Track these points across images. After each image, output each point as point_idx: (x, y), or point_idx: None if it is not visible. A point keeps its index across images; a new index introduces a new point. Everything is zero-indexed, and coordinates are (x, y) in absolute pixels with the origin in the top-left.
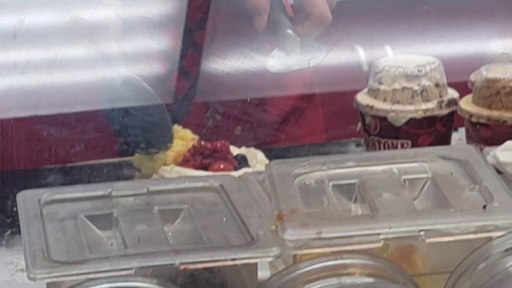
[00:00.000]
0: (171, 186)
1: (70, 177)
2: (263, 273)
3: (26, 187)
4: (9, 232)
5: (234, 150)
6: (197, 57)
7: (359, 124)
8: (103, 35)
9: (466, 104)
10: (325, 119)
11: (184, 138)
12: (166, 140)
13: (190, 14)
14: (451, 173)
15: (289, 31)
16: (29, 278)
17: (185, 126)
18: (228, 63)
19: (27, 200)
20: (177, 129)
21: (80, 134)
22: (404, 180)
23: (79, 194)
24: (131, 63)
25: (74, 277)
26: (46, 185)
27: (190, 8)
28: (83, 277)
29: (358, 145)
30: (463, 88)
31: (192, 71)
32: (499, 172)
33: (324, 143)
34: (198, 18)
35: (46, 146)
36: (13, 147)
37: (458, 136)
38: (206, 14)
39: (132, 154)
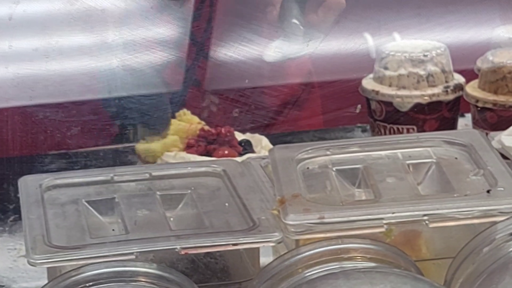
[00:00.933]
0: (173, 171)
1: (72, 163)
2: (266, 259)
3: (29, 173)
4: (12, 218)
5: (239, 136)
6: (193, 45)
7: (359, 106)
8: (100, 20)
9: (472, 89)
10: (330, 105)
11: (190, 122)
12: (163, 125)
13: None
14: (456, 158)
15: (295, 20)
16: (29, 263)
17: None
18: (228, 50)
19: (28, 186)
20: (185, 112)
21: (79, 120)
22: (408, 165)
23: (81, 179)
24: (129, 51)
25: (74, 262)
26: (48, 171)
27: None
28: (83, 262)
29: (364, 130)
30: (470, 73)
31: (188, 60)
32: (504, 157)
33: (329, 129)
34: (195, 7)
35: (45, 132)
36: (14, 133)
37: (465, 121)
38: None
39: (131, 141)
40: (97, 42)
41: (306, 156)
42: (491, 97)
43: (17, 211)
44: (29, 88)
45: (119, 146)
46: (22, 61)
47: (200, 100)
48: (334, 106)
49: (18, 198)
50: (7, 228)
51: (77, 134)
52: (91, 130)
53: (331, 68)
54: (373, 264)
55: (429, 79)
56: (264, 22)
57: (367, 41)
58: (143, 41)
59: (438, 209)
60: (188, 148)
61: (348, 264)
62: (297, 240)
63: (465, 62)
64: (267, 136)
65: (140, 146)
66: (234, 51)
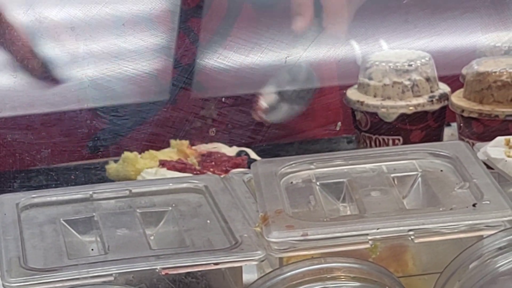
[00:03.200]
0: (154, 188)
1: (52, 179)
2: (250, 276)
3: (3, 190)
4: None
5: (226, 150)
6: (192, 49)
7: (339, 123)
8: (69, 34)
9: (458, 99)
10: (317, 114)
11: (181, 150)
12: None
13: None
14: (441, 170)
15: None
16: (4, 286)
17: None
18: (223, 57)
19: (4, 205)
20: (173, 142)
21: (49, 136)
22: (393, 178)
23: (59, 198)
24: (125, 58)
25: (50, 285)
26: (28, 188)
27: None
28: (60, 284)
29: (349, 141)
30: (455, 81)
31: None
32: (489, 168)
33: (314, 139)
34: (191, 9)
35: (13, 148)
36: None
37: (451, 131)
38: (202, 5)
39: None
40: (68, 56)
41: (289, 170)
42: (476, 106)
43: None
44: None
45: (97, 160)
46: None
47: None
48: (319, 114)
49: None
50: None
51: (52, 148)
52: (66, 145)
53: (316, 75)
54: (357, 284)
55: (414, 89)
56: (249, 31)
57: (353, 48)
58: (137, 48)
59: (423, 224)
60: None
61: (331, 284)
62: (280, 258)
63: (451, 70)
64: (251, 148)
65: (112, 169)
66: (219, 60)
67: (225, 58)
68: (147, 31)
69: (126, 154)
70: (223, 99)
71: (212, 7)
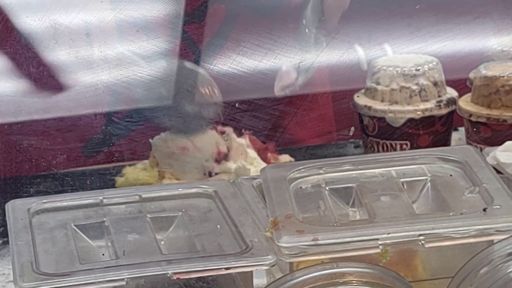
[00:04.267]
0: (164, 193)
1: (60, 184)
2: (260, 280)
3: (17, 194)
4: (0, 242)
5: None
6: (191, 54)
7: (352, 128)
8: (84, 40)
9: (465, 104)
10: (322, 119)
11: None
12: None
13: (187, 9)
14: (451, 175)
15: (306, 30)
16: None
17: None
18: (226, 62)
19: (16, 210)
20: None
21: (64, 142)
22: (403, 183)
23: (70, 203)
24: (129, 62)
25: None
26: (38, 193)
27: (187, 3)
28: None
29: (356, 146)
30: (463, 85)
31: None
32: (499, 173)
33: (321, 144)
34: (194, 13)
35: (30, 153)
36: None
37: (458, 135)
38: (205, 9)
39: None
40: (82, 62)
41: (298, 175)
42: (484, 111)
43: (5, 234)
44: (7, 109)
45: (109, 165)
46: (3, 81)
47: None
48: (327, 120)
49: (5, 221)
50: None
51: (64, 152)
52: (78, 149)
53: (323, 80)
54: None
55: (422, 93)
56: (258, 34)
57: (358, 53)
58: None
59: (434, 228)
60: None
61: None
62: (291, 263)
63: (457, 74)
64: None
65: (121, 182)
66: (226, 64)
67: (238, 63)
68: (161, 37)
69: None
70: (236, 105)
71: (221, 13)
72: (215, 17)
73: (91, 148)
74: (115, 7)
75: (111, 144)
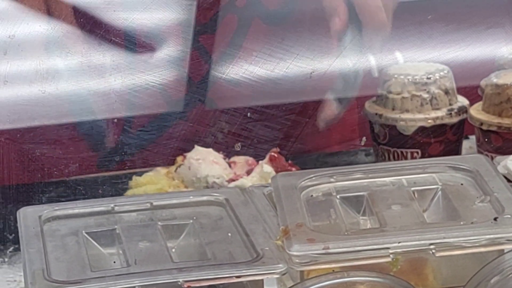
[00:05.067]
0: (174, 201)
1: (71, 191)
2: None
3: (27, 201)
4: (11, 248)
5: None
6: (203, 62)
7: (364, 138)
8: (96, 50)
9: (477, 112)
10: (334, 128)
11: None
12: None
13: (199, 19)
14: (461, 184)
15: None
16: None
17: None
18: (239, 69)
19: (27, 217)
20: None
21: (76, 150)
22: (414, 192)
23: (81, 210)
24: (138, 70)
25: None
26: (49, 200)
27: (199, 10)
28: None
29: (367, 154)
30: (474, 94)
31: (196, 77)
32: (510, 182)
33: (332, 152)
34: (206, 23)
35: (42, 160)
36: (11, 161)
37: (469, 144)
38: (216, 18)
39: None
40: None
41: (309, 183)
42: (495, 119)
43: (17, 241)
44: (20, 116)
45: (120, 172)
46: (15, 90)
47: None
48: (339, 128)
49: (17, 228)
50: (6, 259)
51: (76, 161)
52: (93, 159)
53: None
54: None
55: (433, 102)
56: (271, 40)
57: (369, 60)
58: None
59: (444, 237)
60: None
61: None
62: (301, 271)
63: (469, 82)
64: None
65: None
66: (238, 74)
67: (250, 73)
68: (173, 47)
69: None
70: (248, 114)
71: (233, 23)
72: (227, 27)
73: (106, 161)
74: (128, 17)
75: (123, 153)
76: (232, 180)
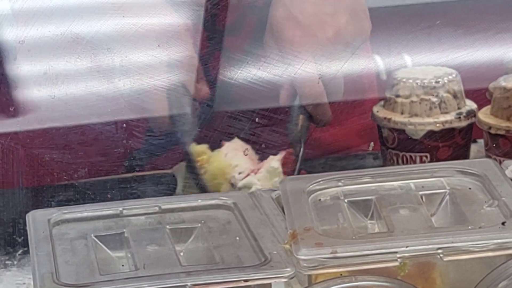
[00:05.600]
0: (183, 204)
1: (80, 194)
2: None
3: (37, 204)
4: (20, 251)
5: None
6: (211, 67)
7: (371, 144)
8: (106, 55)
9: (485, 116)
10: (342, 132)
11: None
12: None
13: (206, 25)
14: (469, 188)
15: None
16: None
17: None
18: (246, 72)
19: (36, 221)
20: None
21: (85, 155)
22: (422, 196)
23: (90, 214)
24: (147, 75)
25: None
26: (58, 203)
27: (207, 15)
28: None
29: (375, 158)
30: (482, 97)
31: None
32: None
33: (341, 156)
34: (214, 29)
35: (54, 163)
36: (22, 165)
37: (477, 148)
38: (224, 24)
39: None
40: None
41: (317, 187)
42: (504, 123)
43: (26, 244)
44: (30, 120)
45: (128, 175)
46: (25, 95)
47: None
48: (347, 132)
49: (27, 231)
50: (15, 262)
51: (85, 165)
52: (102, 164)
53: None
54: None
55: (442, 105)
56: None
57: (377, 63)
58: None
59: (452, 242)
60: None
61: None
62: (309, 275)
63: (477, 86)
64: None
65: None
66: (246, 79)
67: (259, 78)
68: (181, 52)
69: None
70: (256, 119)
71: (241, 24)
72: (235, 31)
73: (115, 165)
74: (137, 22)
75: (132, 157)
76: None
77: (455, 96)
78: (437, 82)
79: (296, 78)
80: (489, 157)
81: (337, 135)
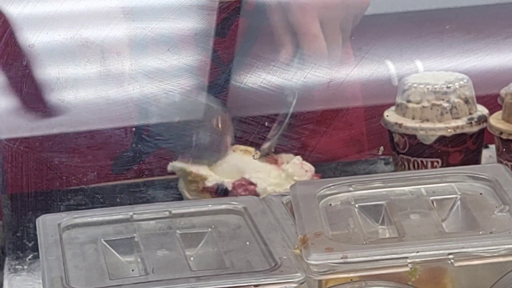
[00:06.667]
0: (193, 209)
1: (90, 199)
2: None
3: (46, 208)
4: (30, 256)
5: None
6: (221, 71)
7: (381, 148)
8: (115, 59)
9: (496, 121)
10: (353, 137)
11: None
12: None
13: (218, 29)
14: (481, 193)
15: None
16: None
17: None
18: (254, 77)
19: (46, 225)
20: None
21: (94, 159)
22: (432, 201)
23: (100, 218)
24: (157, 79)
25: None
26: (68, 208)
27: (218, 22)
28: None
29: (386, 163)
30: (494, 102)
31: (215, 86)
32: None
33: (351, 161)
34: (225, 33)
35: (64, 167)
36: (32, 169)
37: (489, 153)
38: (235, 28)
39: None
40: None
41: (328, 192)
42: None
43: (36, 249)
44: (39, 124)
45: (138, 181)
46: (33, 99)
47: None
48: (357, 134)
49: (37, 235)
50: (25, 267)
51: (94, 169)
52: (108, 164)
53: (353, 95)
54: None
55: (453, 111)
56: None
57: (389, 69)
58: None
59: (463, 247)
60: None
61: None
62: (320, 281)
63: (488, 91)
64: None
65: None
66: (256, 83)
67: (268, 82)
68: (191, 56)
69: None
70: (266, 123)
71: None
72: (247, 36)
73: (121, 166)
74: (146, 26)
75: (140, 161)
76: None
77: (466, 101)
78: (448, 87)
79: None
80: (501, 162)
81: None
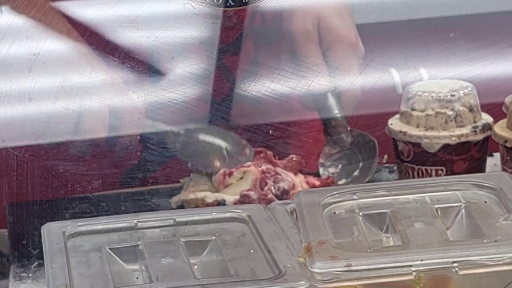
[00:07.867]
0: (197, 217)
1: (95, 207)
2: None
3: (51, 216)
4: (35, 264)
5: None
6: (225, 80)
7: (385, 156)
8: (119, 66)
9: (501, 129)
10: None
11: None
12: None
13: (222, 37)
14: (485, 202)
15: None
16: None
17: None
18: (260, 87)
19: (51, 233)
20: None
21: (99, 167)
22: (437, 209)
23: (104, 226)
24: (161, 88)
25: None
26: (72, 216)
27: (223, 31)
28: None
29: (391, 171)
30: (498, 110)
31: (219, 95)
32: None
33: None
34: (230, 41)
35: (66, 176)
36: (36, 177)
37: (493, 161)
38: (240, 37)
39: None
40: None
41: (332, 200)
42: None
43: (41, 256)
44: (42, 133)
45: (143, 189)
46: (38, 107)
47: None
48: None
49: (42, 243)
50: (30, 274)
51: (99, 178)
52: (112, 172)
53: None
54: None
55: (457, 119)
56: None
57: (393, 77)
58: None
59: (467, 255)
60: None
61: None
62: None
63: (493, 99)
64: None
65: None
66: (260, 91)
67: (272, 90)
68: (196, 65)
69: None
70: (270, 132)
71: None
72: (250, 45)
73: (129, 179)
74: (151, 35)
75: (147, 170)
76: None
77: (470, 109)
78: (452, 95)
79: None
80: (505, 170)
81: None
